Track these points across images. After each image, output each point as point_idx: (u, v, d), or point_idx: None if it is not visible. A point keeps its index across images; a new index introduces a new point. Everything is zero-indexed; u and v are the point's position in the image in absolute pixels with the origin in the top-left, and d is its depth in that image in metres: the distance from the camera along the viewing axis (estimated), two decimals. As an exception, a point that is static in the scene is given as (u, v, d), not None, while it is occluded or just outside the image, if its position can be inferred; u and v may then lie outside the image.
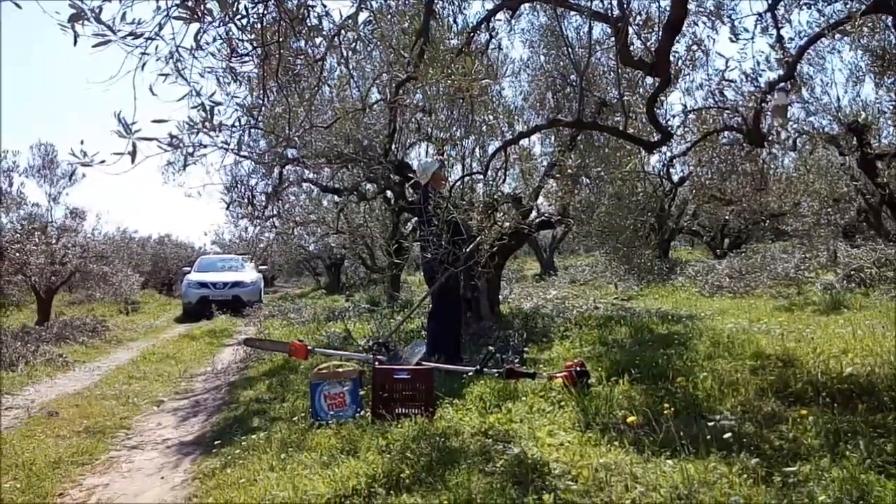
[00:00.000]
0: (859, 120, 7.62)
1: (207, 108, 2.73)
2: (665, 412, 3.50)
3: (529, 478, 2.93)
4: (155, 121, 2.75)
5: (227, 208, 7.12)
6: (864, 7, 3.81)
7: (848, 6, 4.65)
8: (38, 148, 13.58)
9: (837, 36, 5.19)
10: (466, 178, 6.01)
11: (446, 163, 6.87)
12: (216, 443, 4.42)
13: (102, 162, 2.59)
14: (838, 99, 8.84)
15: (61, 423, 5.27)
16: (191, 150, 3.32)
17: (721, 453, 2.91)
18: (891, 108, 6.92)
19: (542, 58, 7.75)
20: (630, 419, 3.51)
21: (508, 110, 6.97)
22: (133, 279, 15.95)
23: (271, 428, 4.46)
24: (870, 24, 4.82)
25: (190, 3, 2.32)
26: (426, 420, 3.92)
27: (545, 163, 7.47)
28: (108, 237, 16.47)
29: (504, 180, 5.98)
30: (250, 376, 6.94)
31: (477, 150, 7.48)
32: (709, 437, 3.07)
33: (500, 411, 4.08)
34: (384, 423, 3.93)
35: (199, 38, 2.51)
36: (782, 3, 4.90)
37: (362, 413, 4.25)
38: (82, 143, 2.49)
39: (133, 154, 2.48)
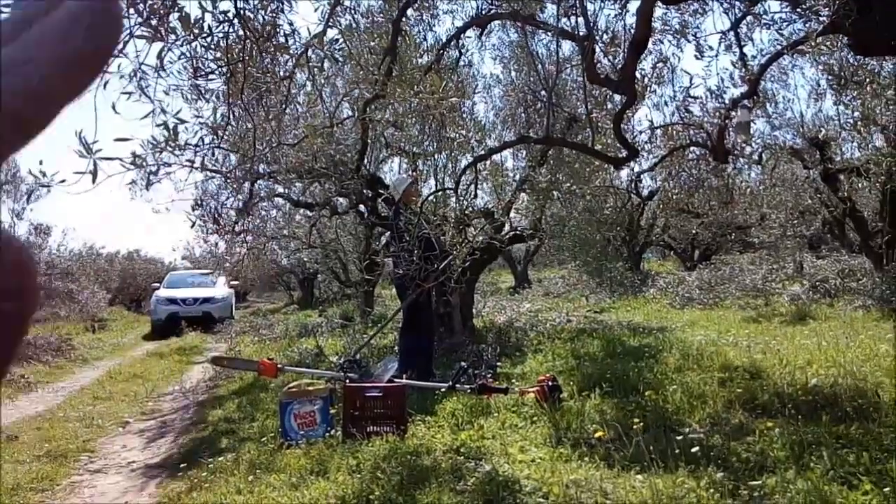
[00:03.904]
0: (819, 136, 7.83)
1: (171, 126, 2.70)
2: (635, 426, 3.53)
3: (500, 496, 2.92)
4: (118, 139, 2.71)
5: (192, 227, 7.00)
6: (821, 27, 3.93)
7: (807, 25, 4.79)
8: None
9: (797, 54, 5.35)
10: (438, 193, 6.02)
11: (419, 178, 6.88)
12: (182, 465, 4.32)
13: (63, 181, 2.54)
14: (801, 114, 9.05)
15: (21, 447, 5.10)
16: (154, 168, 3.27)
17: (689, 467, 2.93)
18: (850, 124, 7.14)
19: (513, 74, 7.85)
20: (598, 433, 3.53)
21: (480, 125, 7.01)
22: (100, 296, 15.57)
23: (240, 449, 4.37)
24: (828, 44, 4.98)
25: (153, 23, 2.30)
26: (398, 438, 3.88)
27: (517, 177, 7.53)
28: (75, 253, 16.08)
29: (476, 195, 6.01)
30: (220, 395, 6.82)
31: (449, 164, 7.50)
32: (677, 450, 3.10)
33: (472, 428, 4.06)
34: (355, 442, 3.89)
35: (162, 56, 2.49)
36: (744, 22, 5.03)
37: (333, 432, 4.20)
38: (41, 163, 2.44)
39: (94, 174, 2.44)
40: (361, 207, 8.52)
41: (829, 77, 6.18)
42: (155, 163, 3.14)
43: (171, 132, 2.71)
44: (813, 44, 4.16)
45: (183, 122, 2.89)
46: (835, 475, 2.74)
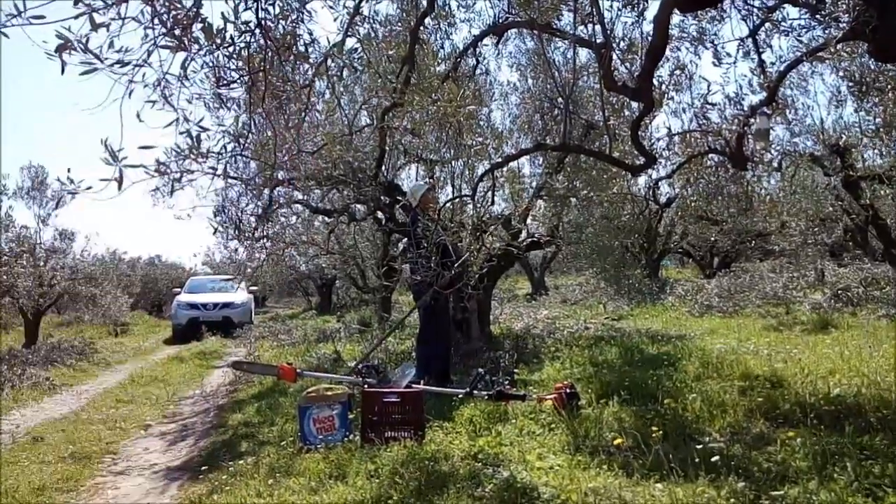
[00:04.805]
0: (840, 143, 7.73)
1: (194, 134, 2.76)
2: (654, 434, 3.51)
3: (518, 502, 2.92)
4: (142, 147, 2.77)
5: (214, 233, 7.12)
6: (840, 34, 3.90)
7: (827, 32, 4.74)
8: (29, 170, 13.46)
9: (817, 61, 5.30)
10: (456, 200, 6.05)
11: (436, 185, 6.92)
12: (203, 468, 4.37)
13: (89, 188, 2.60)
14: (822, 121, 8.93)
15: (46, 448, 5.19)
16: (178, 175, 3.33)
17: (710, 476, 2.91)
18: (871, 130, 7.04)
19: (530, 81, 7.86)
20: (617, 441, 3.51)
21: (497, 133, 7.03)
22: (122, 301, 15.82)
23: (259, 452, 4.42)
24: (848, 50, 4.93)
25: (177, 33, 2.35)
26: (416, 444, 3.90)
27: (534, 184, 7.53)
28: (98, 259, 16.34)
29: (493, 202, 6.02)
30: (239, 399, 6.88)
31: (466, 171, 7.54)
32: (697, 459, 3.08)
33: (489, 434, 4.07)
34: (373, 447, 3.91)
35: (186, 66, 2.54)
36: (763, 29, 5.00)
37: (351, 437, 4.22)
38: (69, 171, 2.51)
39: (120, 181, 2.50)
40: (379, 214, 8.57)
41: (850, 83, 6.10)
42: (178, 170, 3.21)
43: (195, 140, 2.76)
44: (833, 50, 4.12)
45: (205, 130, 2.94)
46: (859, 486, 2.70)
